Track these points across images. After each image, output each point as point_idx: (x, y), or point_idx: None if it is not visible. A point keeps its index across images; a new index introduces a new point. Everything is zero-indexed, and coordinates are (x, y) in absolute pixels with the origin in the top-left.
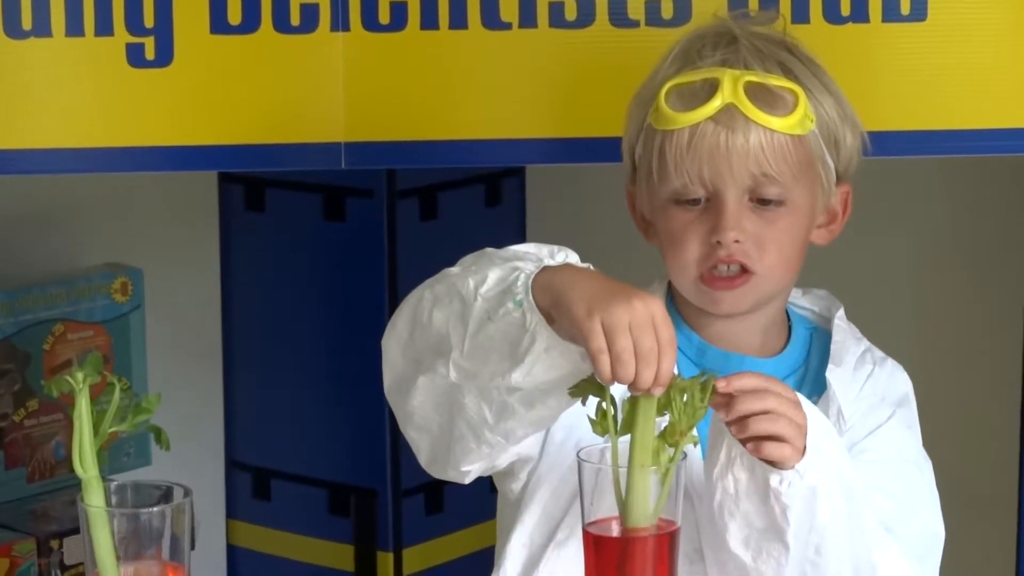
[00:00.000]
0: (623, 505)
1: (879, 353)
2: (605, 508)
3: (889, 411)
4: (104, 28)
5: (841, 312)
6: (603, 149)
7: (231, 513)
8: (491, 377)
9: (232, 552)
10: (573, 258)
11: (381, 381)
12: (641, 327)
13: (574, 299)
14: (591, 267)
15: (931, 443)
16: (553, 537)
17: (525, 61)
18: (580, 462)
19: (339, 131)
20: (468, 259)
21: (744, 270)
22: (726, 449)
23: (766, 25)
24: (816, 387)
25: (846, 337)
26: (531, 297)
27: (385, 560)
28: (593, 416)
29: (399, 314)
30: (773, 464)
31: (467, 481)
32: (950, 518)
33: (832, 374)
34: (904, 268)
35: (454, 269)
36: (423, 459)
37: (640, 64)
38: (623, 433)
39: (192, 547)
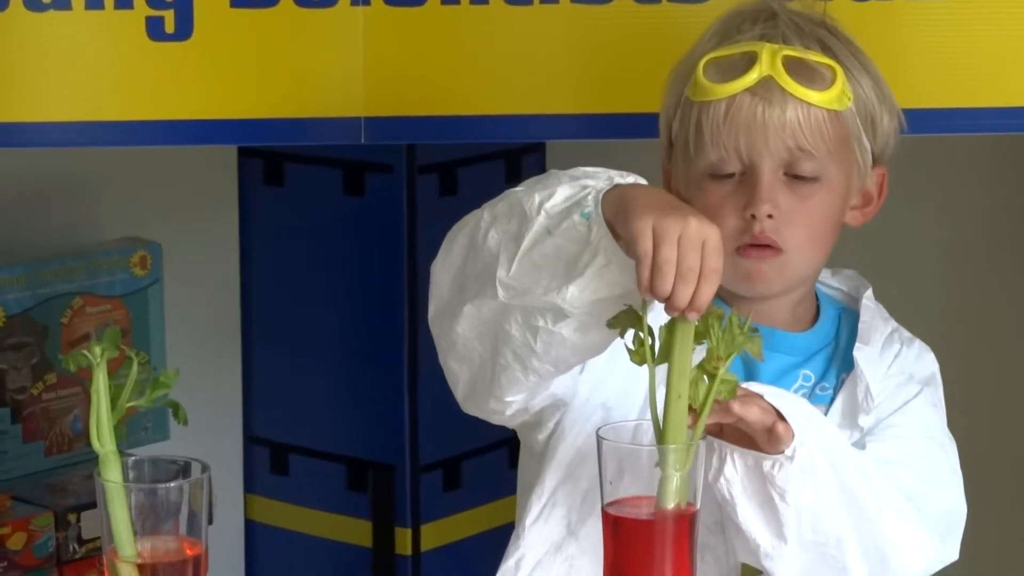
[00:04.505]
0: (660, 435)
1: (906, 334)
2: (624, 488)
3: (916, 389)
4: (124, 1)
5: (869, 292)
6: (624, 125)
7: (249, 488)
8: (544, 292)
9: (250, 527)
10: (642, 182)
11: (400, 356)
12: (690, 244)
13: (638, 205)
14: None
15: (955, 425)
16: (581, 506)
17: (546, 36)
18: (599, 440)
19: (359, 106)
20: (533, 179)
21: (774, 248)
22: (717, 454)
23: (803, 1)
24: (845, 365)
25: (873, 317)
26: (599, 210)
27: (403, 536)
28: (631, 345)
29: (454, 240)
30: (762, 446)
31: (508, 413)
32: (972, 500)
33: (860, 352)
34: (932, 250)
35: (519, 188)
36: (460, 392)
37: (662, 40)
38: (660, 362)
39: (210, 522)
